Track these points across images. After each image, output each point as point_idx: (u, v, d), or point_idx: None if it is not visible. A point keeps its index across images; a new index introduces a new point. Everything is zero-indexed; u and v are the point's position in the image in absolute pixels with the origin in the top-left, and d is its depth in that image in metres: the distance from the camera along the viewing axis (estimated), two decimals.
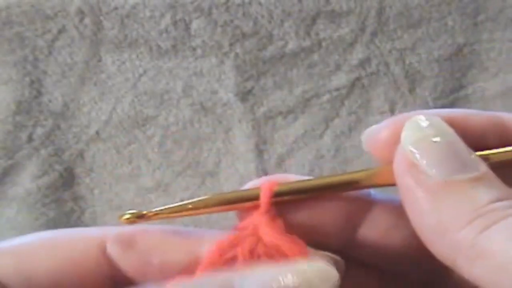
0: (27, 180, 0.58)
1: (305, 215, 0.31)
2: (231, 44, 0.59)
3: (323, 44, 0.60)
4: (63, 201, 0.59)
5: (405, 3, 0.60)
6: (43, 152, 0.59)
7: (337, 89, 0.61)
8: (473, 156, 0.28)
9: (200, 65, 0.59)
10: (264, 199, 0.31)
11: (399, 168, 0.28)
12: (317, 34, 0.60)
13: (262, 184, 0.31)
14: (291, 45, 0.60)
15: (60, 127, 0.59)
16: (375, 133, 0.30)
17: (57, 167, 0.59)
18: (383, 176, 0.30)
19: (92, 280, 0.29)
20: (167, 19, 0.58)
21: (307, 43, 0.60)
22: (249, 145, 0.60)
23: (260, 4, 0.59)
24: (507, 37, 0.61)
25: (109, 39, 0.59)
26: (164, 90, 0.60)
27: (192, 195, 0.60)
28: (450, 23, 0.60)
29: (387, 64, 0.61)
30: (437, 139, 0.27)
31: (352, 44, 0.60)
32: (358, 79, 0.61)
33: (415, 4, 0.60)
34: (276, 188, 0.31)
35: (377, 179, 0.31)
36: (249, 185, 0.32)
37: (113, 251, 0.30)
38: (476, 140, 0.30)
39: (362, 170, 0.31)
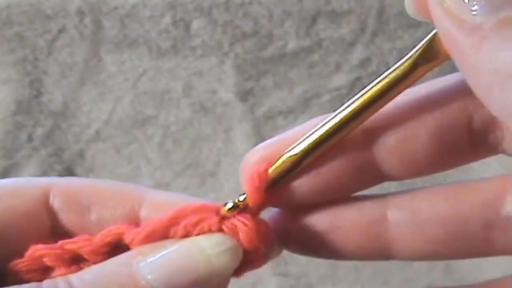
0: None
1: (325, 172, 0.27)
2: (231, 44, 0.59)
3: (323, 44, 0.60)
4: None
5: None
6: (43, 152, 0.59)
7: (338, 89, 0.61)
8: None
9: (200, 65, 0.59)
10: (250, 197, 0.27)
11: (433, 11, 0.22)
12: (317, 34, 0.60)
13: (248, 175, 0.27)
14: (291, 45, 0.60)
15: (60, 127, 0.59)
16: None
17: (57, 167, 0.59)
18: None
19: (33, 228, 0.29)
20: (167, 19, 0.58)
21: (307, 43, 0.60)
22: (249, 145, 0.60)
23: (260, 4, 0.59)
24: None
25: (109, 39, 0.59)
26: (164, 90, 0.60)
27: (192, 195, 0.60)
28: None
29: (387, 64, 0.60)
30: None
31: (352, 44, 0.60)
32: (358, 79, 0.61)
33: None
34: (268, 174, 0.27)
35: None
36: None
37: (56, 202, 0.29)
38: None
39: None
